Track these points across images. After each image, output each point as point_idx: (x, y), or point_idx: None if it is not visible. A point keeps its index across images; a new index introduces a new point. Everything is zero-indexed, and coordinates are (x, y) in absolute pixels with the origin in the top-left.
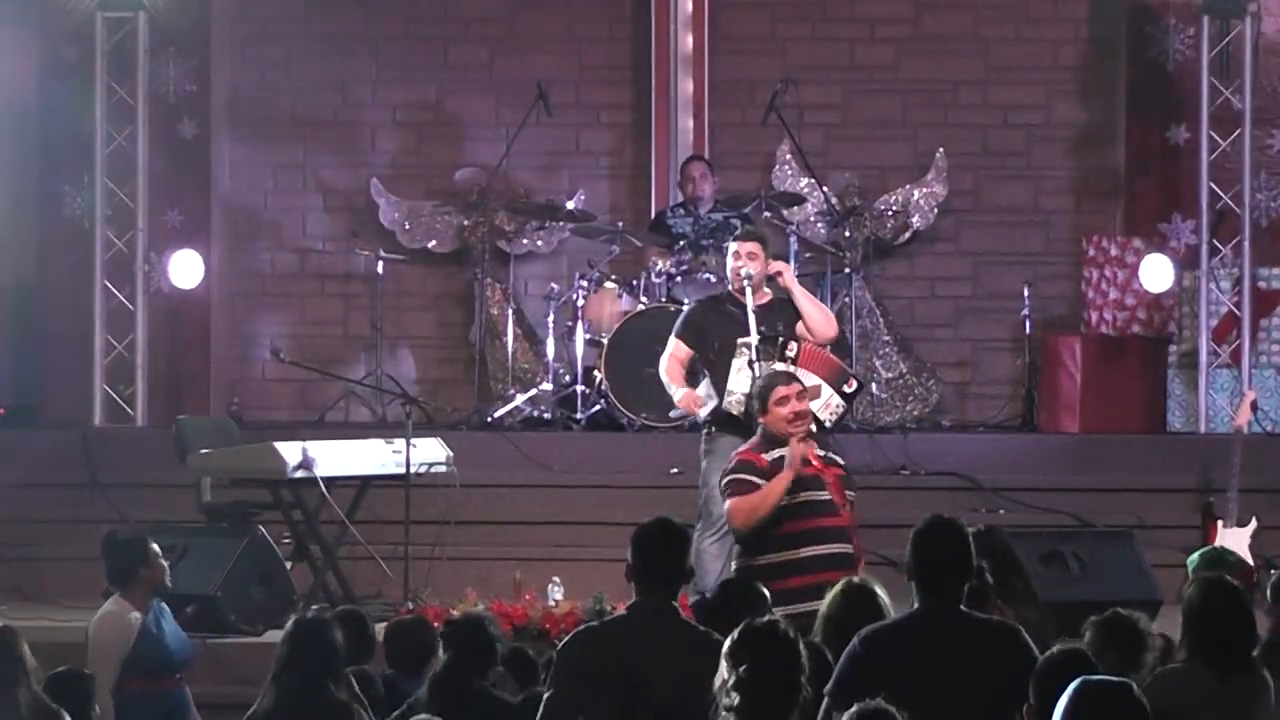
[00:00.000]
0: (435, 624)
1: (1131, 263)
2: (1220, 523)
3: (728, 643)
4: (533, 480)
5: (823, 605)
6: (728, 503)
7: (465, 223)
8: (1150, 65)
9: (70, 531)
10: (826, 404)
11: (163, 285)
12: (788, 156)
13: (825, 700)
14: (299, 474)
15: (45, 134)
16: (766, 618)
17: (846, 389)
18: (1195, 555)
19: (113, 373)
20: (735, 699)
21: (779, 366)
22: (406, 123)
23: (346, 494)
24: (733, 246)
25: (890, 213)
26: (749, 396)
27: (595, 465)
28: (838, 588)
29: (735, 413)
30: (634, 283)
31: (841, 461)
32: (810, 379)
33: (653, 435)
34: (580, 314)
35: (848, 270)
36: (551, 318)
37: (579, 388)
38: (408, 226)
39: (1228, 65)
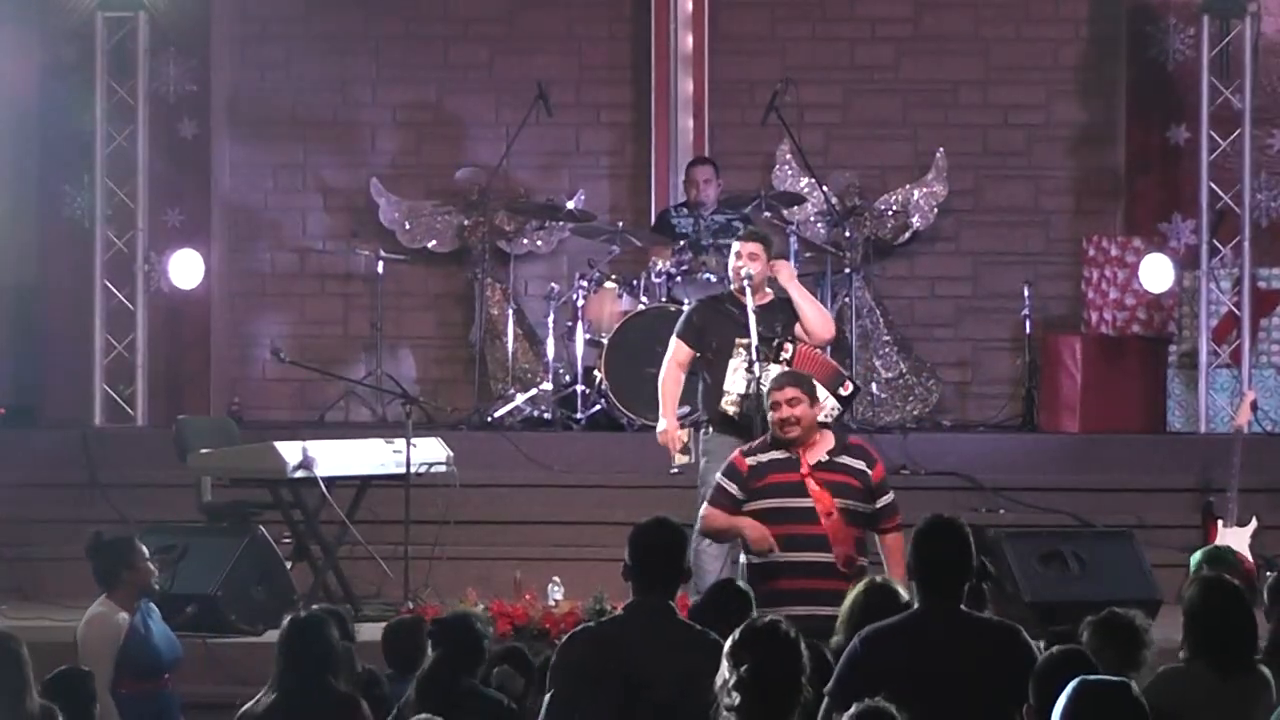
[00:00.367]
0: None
1: (1131, 263)
2: (1220, 523)
3: (729, 642)
4: (533, 480)
5: (844, 604)
6: (703, 506)
7: (465, 222)
8: (1150, 65)
9: (70, 531)
10: (821, 406)
11: (163, 285)
12: (788, 156)
13: (825, 700)
14: (299, 474)
15: (45, 134)
16: (768, 618)
17: (842, 391)
18: (1198, 554)
19: (113, 373)
20: (736, 699)
21: (774, 368)
22: (406, 123)
23: (346, 494)
24: (735, 246)
25: (890, 213)
26: (744, 397)
27: (595, 465)
28: (859, 587)
29: (732, 413)
30: (634, 283)
31: (858, 466)
32: None
33: (653, 435)
34: (580, 314)
35: (848, 270)
36: (551, 318)
37: (579, 388)
38: (408, 226)
39: (1228, 65)
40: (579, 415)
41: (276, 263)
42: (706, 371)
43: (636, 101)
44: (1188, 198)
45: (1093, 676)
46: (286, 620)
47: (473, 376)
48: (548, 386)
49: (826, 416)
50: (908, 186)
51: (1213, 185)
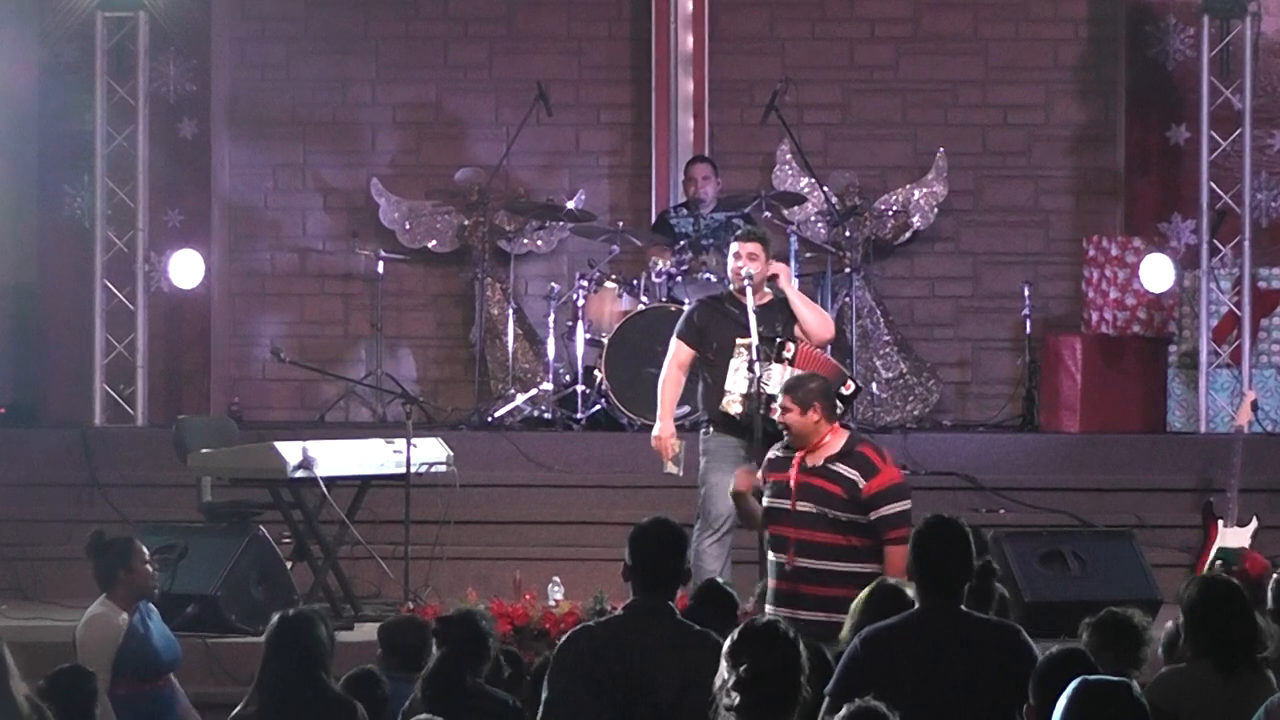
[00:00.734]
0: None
1: (1132, 262)
2: (1220, 522)
3: (728, 642)
4: (533, 480)
5: (852, 605)
6: None
7: (465, 222)
8: (1150, 65)
9: (70, 531)
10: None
11: (163, 285)
12: (788, 156)
13: (826, 700)
14: (299, 474)
15: (45, 134)
16: (767, 617)
17: (844, 391)
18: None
19: (113, 372)
20: (735, 699)
21: (775, 368)
22: (406, 122)
23: (346, 494)
24: (734, 247)
25: (890, 212)
26: (745, 396)
27: (595, 465)
28: (867, 589)
29: (733, 413)
30: (634, 282)
31: (850, 476)
32: None
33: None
34: (580, 314)
35: (848, 270)
36: (552, 317)
37: (579, 387)
38: (408, 226)
39: (1228, 65)
40: (579, 415)
41: (276, 262)
42: (707, 371)
43: (636, 101)
44: (1188, 198)
45: (1093, 676)
46: (275, 618)
47: (473, 376)
48: (548, 386)
49: None
50: (908, 186)
51: (1213, 185)
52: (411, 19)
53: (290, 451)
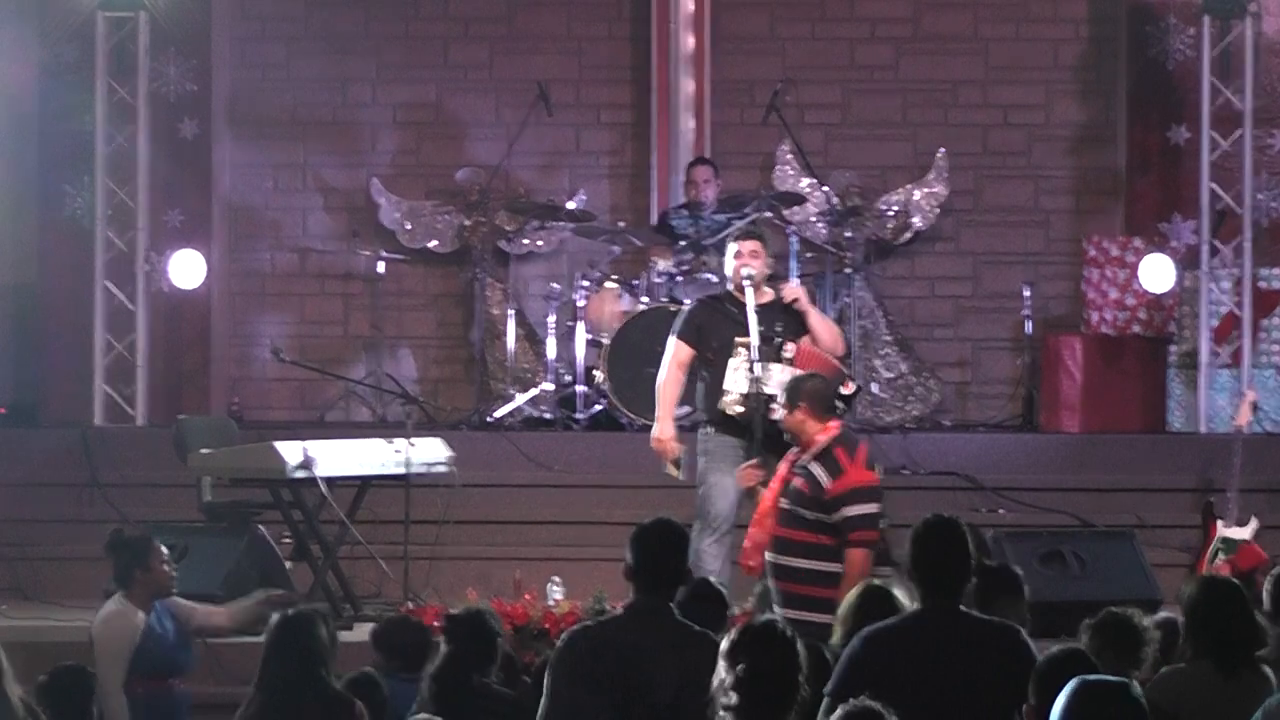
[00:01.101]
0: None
1: (1132, 263)
2: (1220, 522)
3: (726, 642)
4: (533, 480)
5: (841, 606)
6: None
7: (465, 222)
8: (1150, 65)
9: (70, 531)
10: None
11: (163, 285)
12: (788, 156)
13: (825, 700)
14: (299, 474)
15: (45, 134)
16: (765, 617)
17: (844, 390)
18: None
19: (113, 372)
20: (733, 698)
21: (776, 367)
22: (406, 122)
23: (347, 494)
24: (734, 246)
25: (891, 212)
26: (745, 396)
27: (595, 465)
28: (856, 589)
29: (732, 413)
30: (634, 283)
31: (818, 475)
32: None
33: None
34: (581, 314)
35: (848, 270)
36: (552, 318)
37: (579, 388)
38: (408, 226)
39: (1228, 65)
40: (579, 415)
41: (276, 262)
42: (707, 371)
43: (636, 101)
44: (1188, 198)
45: (1092, 676)
46: (275, 618)
47: (473, 376)
48: (548, 386)
49: None
50: (908, 186)
51: (1213, 185)
52: (412, 19)
53: (290, 451)
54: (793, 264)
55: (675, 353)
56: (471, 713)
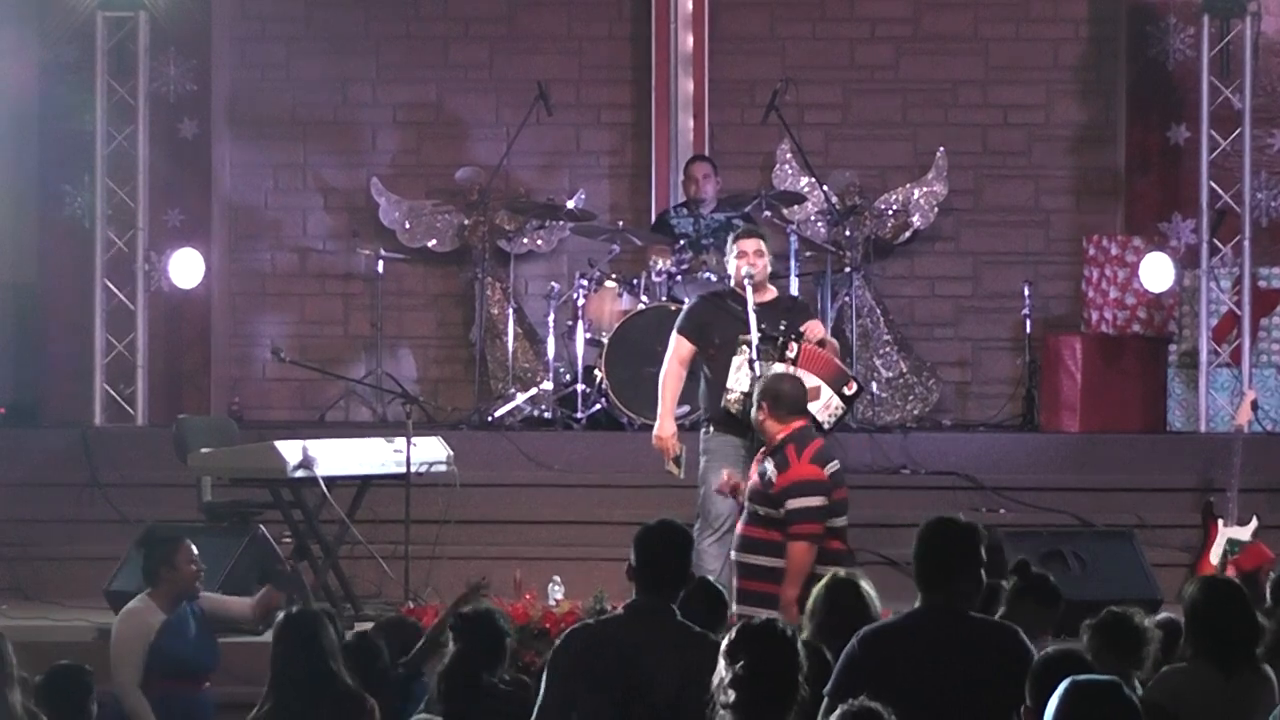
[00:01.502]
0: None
1: (1132, 262)
2: (1220, 522)
3: (725, 641)
4: (533, 480)
5: (810, 602)
6: None
7: (465, 222)
8: (1150, 65)
9: (70, 531)
10: (826, 405)
11: (163, 285)
12: (788, 156)
13: (825, 699)
14: (299, 473)
15: (45, 134)
16: (764, 616)
17: (846, 391)
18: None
19: (113, 372)
20: (731, 696)
21: (778, 366)
22: (407, 122)
23: (347, 493)
24: (737, 245)
25: (890, 212)
26: (746, 395)
27: (595, 465)
28: (822, 581)
29: (734, 411)
30: (634, 282)
31: (768, 471)
32: (810, 380)
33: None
34: (580, 313)
35: (848, 269)
36: (552, 317)
37: (579, 387)
38: (408, 226)
39: (1228, 65)
40: (579, 415)
41: (277, 262)
42: (708, 368)
43: (636, 101)
44: (1188, 197)
45: (1084, 676)
46: (280, 617)
47: (473, 376)
48: (548, 386)
49: (831, 415)
50: (908, 186)
51: (1213, 185)
52: (412, 19)
53: (290, 451)
54: (792, 263)
55: (677, 348)
56: (480, 712)
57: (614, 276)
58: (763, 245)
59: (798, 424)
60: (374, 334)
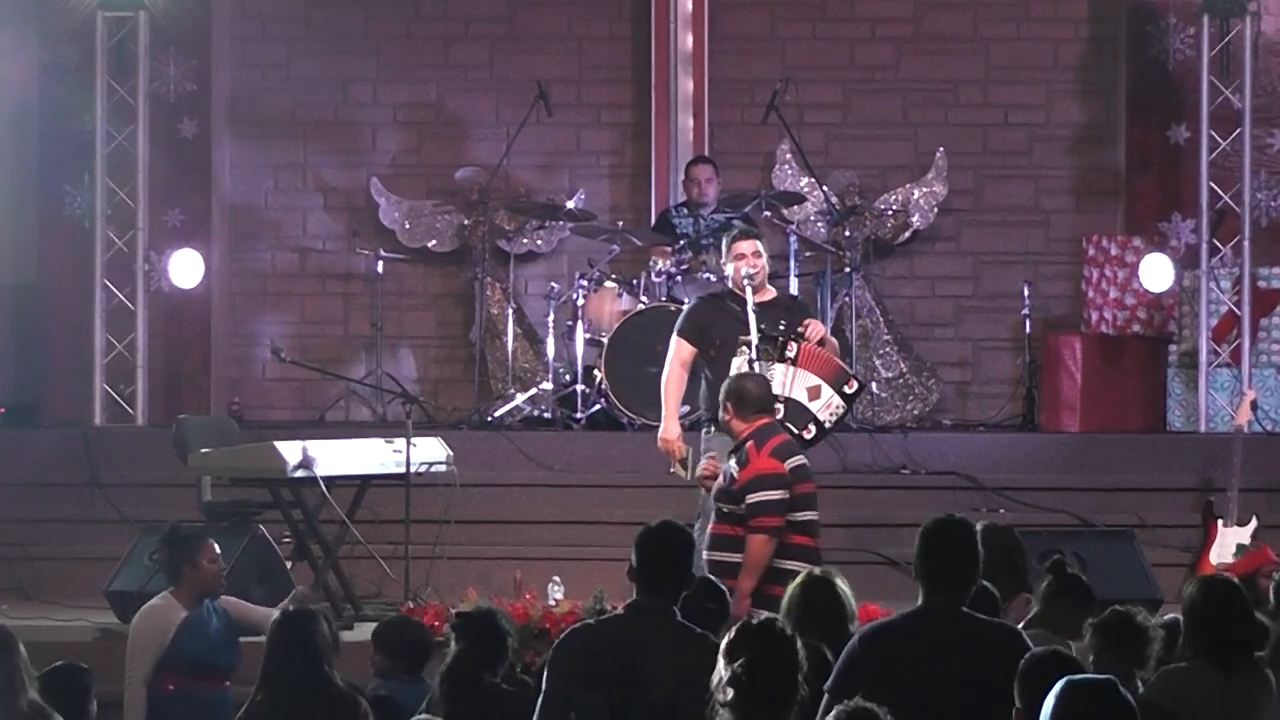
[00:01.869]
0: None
1: (1131, 262)
2: (1220, 522)
3: (725, 640)
4: (533, 480)
5: (785, 599)
6: None
7: (465, 222)
8: (1150, 65)
9: (70, 531)
10: (827, 404)
11: (163, 285)
12: (788, 156)
13: (825, 698)
14: (299, 473)
15: (45, 134)
16: (764, 616)
17: (847, 390)
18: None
19: (113, 372)
20: (729, 694)
21: (779, 367)
22: (407, 122)
23: (347, 493)
24: (736, 247)
25: (890, 212)
26: None
27: (595, 465)
28: (798, 579)
29: None
30: (634, 282)
31: (731, 468)
32: (811, 379)
33: (653, 435)
34: (580, 313)
35: (848, 269)
36: (552, 317)
37: (579, 387)
38: (408, 226)
39: (1228, 64)
40: (579, 415)
41: (277, 262)
42: (709, 369)
43: (636, 101)
44: (1188, 197)
45: (1078, 676)
46: (277, 614)
47: (473, 376)
48: (548, 386)
49: (832, 414)
50: (908, 186)
51: (1213, 185)
52: (412, 19)
53: (290, 451)
54: (792, 264)
55: (677, 350)
56: (482, 712)
57: (614, 277)
58: (760, 246)
59: (762, 421)
60: (374, 334)
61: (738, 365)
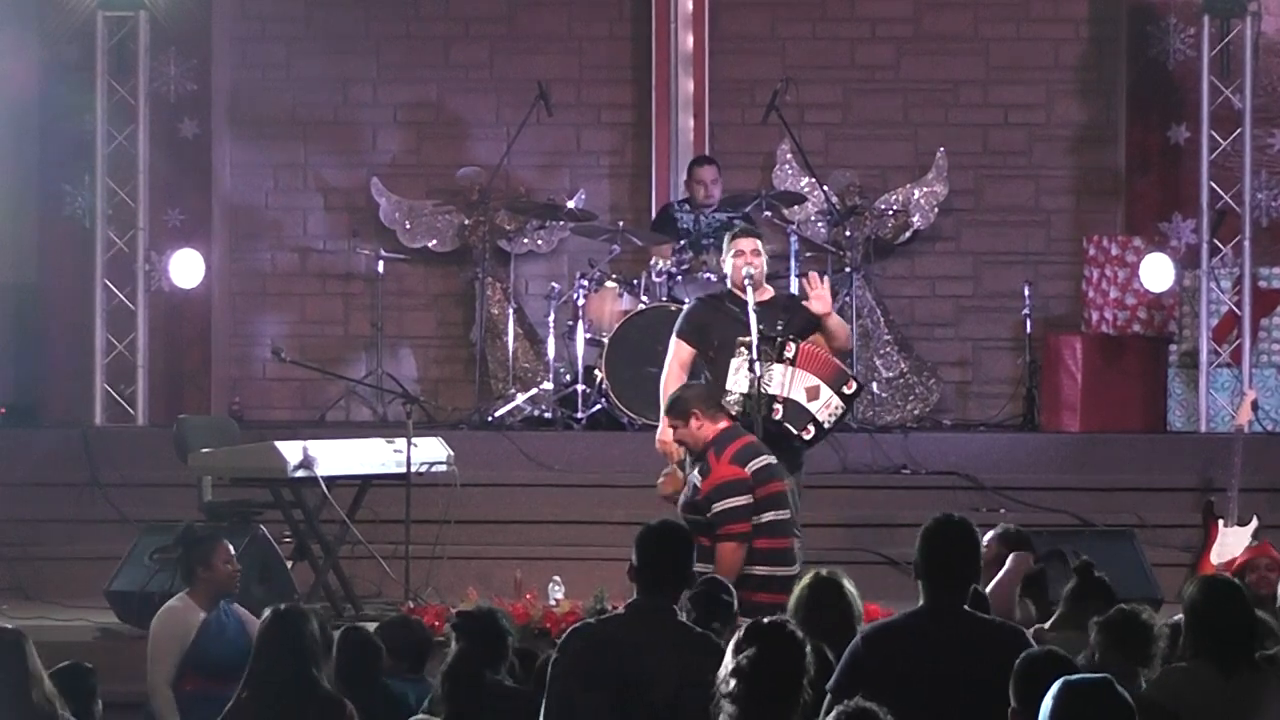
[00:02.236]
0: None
1: (1132, 262)
2: (1221, 522)
3: (735, 637)
4: (533, 480)
5: (791, 597)
6: None
7: (466, 222)
8: (1151, 65)
9: (70, 531)
10: (826, 405)
11: (163, 284)
12: (788, 156)
13: (828, 698)
14: (300, 473)
15: (45, 134)
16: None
17: (846, 390)
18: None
19: (113, 372)
20: (732, 685)
21: (777, 367)
22: (407, 122)
23: (347, 493)
24: (735, 244)
25: (891, 212)
26: (746, 396)
27: (595, 465)
28: (805, 579)
29: (734, 413)
30: (634, 282)
31: (695, 478)
32: (809, 380)
33: (653, 435)
34: (581, 313)
35: (848, 269)
36: (552, 317)
37: (579, 387)
38: (408, 226)
39: (1228, 64)
40: (579, 415)
41: (277, 262)
42: (709, 370)
43: (636, 101)
44: (1188, 197)
45: (1074, 676)
46: (268, 612)
47: (473, 376)
48: (548, 386)
49: (831, 414)
50: (908, 186)
51: (1213, 185)
52: (412, 19)
53: (291, 451)
54: (793, 264)
55: (676, 352)
56: (485, 710)
57: (614, 276)
58: (760, 245)
59: (723, 425)
60: (374, 334)
61: (735, 366)
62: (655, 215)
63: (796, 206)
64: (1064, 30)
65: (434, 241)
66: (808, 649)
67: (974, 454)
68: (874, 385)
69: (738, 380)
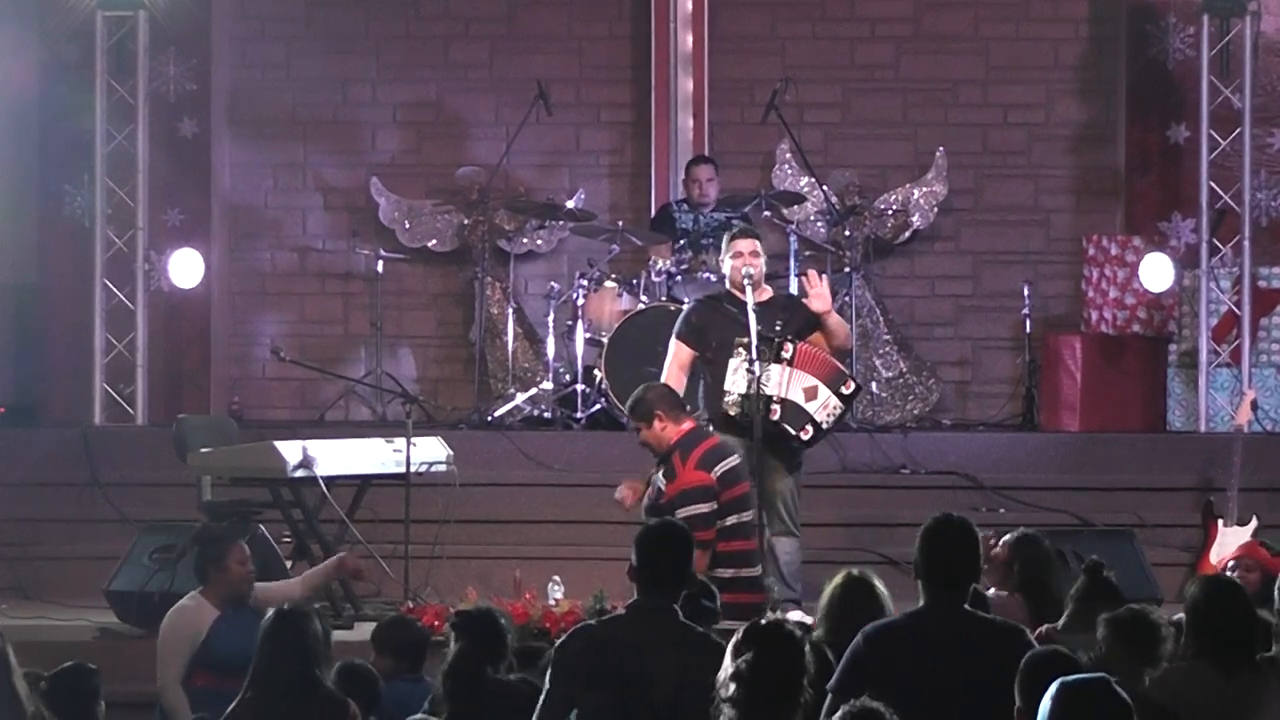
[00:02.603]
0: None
1: (1131, 262)
2: (1220, 522)
3: (734, 638)
4: (533, 479)
5: (822, 597)
6: None
7: (465, 221)
8: (1150, 64)
9: (70, 531)
10: (824, 405)
11: (163, 284)
12: (788, 155)
13: (829, 697)
14: (299, 473)
15: (45, 134)
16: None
17: (844, 390)
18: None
19: (113, 372)
20: (732, 688)
21: (775, 368)
22: (407, 122)
23: (347, 493)
24: (734, 245)
25: (890, 212)
26: (744, 397)
27: (595, 465)
28: (837, 579)
29: (733, 414)
30: (634, 282)
31: (660, 481)
32: (807, 380)
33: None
34: (580, 313)
35: (848, 269)
36: (551, 317)
37: (579, 387)
38: (408, 225)
39: (1228, 64)
40: (579, 414)
41: (276, 262)
42: (707, 371)
43: (636, 101)
44: (1188, 197)
45: (1072, 676)
46: (270, 613)
47: (473, 376)
48: (548, 386)
49: (830, 415)
50: (908, 185)
51: (1213, 184)
52: (412, 18)
53: (290, 451)
54: (792, 263)
55: (676, 354)
56: (486, 709)
57: (614, 276)
58: (759, 245)
59: (687, 426)
60: (374, 334)
61: (734, 367)
62: (654, 215)
63: (796, 206)
64: (1064, 30)
65: (433, 241)
66: (806, 649)
67: (974, 454)
68: (874, 385)
69: (736, 381)
